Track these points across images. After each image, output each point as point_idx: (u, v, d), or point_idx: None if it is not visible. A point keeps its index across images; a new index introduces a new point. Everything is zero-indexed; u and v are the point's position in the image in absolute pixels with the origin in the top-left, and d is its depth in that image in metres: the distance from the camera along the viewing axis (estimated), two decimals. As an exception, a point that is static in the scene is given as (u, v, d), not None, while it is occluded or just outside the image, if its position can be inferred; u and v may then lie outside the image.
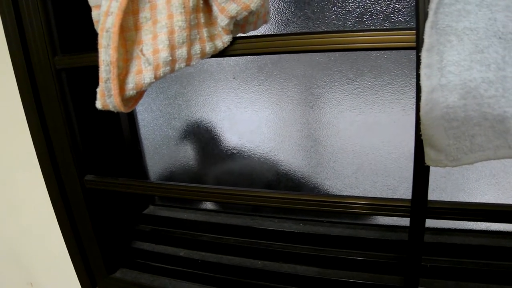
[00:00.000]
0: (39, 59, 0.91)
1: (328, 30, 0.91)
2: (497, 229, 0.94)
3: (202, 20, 0.64)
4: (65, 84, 0.93)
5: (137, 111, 1.21)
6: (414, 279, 0.73)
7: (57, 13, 0.89)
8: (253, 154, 1.11)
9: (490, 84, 0.51)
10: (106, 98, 0.63)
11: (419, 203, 0.66)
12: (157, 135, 1.21)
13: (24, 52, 0.91)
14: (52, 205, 1.07)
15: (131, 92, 0.63)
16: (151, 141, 1.23)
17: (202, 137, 1.16)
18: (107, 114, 1.03)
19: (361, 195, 1.02)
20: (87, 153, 1.01)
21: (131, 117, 1.19)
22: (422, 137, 0.57)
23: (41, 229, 1.19)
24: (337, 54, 0.93)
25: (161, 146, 1.22)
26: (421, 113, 0.55)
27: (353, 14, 0.89)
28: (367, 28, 0.87)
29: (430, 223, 0.97)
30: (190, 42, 0.62)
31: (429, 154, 0.57)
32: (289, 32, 0.95)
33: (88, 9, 0.69)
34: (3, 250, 1.35)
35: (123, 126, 1.15)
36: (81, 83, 0.97)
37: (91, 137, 1.02)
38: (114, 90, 0.61)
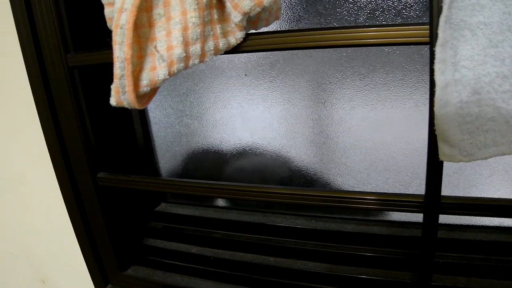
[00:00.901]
0: (51, 56, 0.91)
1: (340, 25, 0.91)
2: (510, 225, 0.94)
3: (216, 17, 0.64)
4: (78, 82, 0.94)
5: (148, 108, 1.22)
6: (428, 275, 0.73)
7: (69, 11, 0.89)
8: (265, 150, 1.11)
9: (504, 79, 0.51)
10: (121, 94, 0.63)
11: (433, 198, 0.66)
12: (168, 132, 1.22)
13: (36, 50, 0.91)
14: (65, 202, 1.08)
15: (145, 89, 0.63)
16: (162, 138, 1.23)
17: (214, 134, 1.16)
18: (119, 112, 1.04)
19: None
20: (99, 150, 1.02)
21: (143, 115, 1.20)
22: (435, 132, 0.56)
23: (53, 226, 1.20)
24: (349, 50, 0.93)
25: (172, 144, 1.22)
26: (435, 108, 0.55)
27: (365, 10, 0.88)
28: (380, 24, 0.87)
29: (442, 219, 0.97)
30: (204, 38, 0.63)
31: (443, 149, 0.57)
32: (301, 28, 0.95)
33: (100, 7, 0.69)
34: (16, 247, 1.36)
35: (135, 124, 1.15)
36: (93, 81, 0.97)
37: (104, 134, 1.03)
38: (129, 87, 0.61)
